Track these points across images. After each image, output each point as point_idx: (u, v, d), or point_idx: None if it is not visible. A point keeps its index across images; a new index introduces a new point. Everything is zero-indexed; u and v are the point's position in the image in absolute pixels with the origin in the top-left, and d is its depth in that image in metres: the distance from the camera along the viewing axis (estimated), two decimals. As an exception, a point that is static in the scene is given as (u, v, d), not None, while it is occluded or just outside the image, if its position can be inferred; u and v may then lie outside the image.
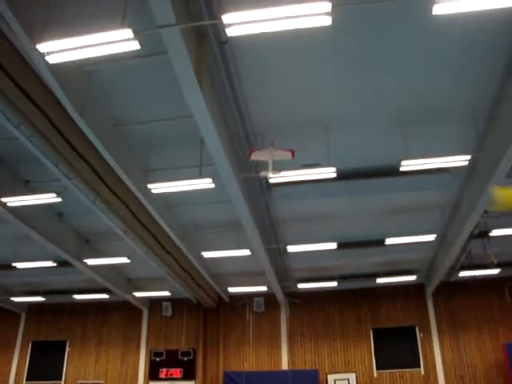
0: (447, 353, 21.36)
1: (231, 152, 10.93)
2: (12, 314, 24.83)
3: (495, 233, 15.67)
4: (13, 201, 12.81)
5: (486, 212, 13.72)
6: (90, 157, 10.80)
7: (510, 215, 13.90)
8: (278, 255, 18.22)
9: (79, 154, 10.49)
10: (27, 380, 23.66)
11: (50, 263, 18.32)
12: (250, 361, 22.23)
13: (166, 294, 22.32)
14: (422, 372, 21.20)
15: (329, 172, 11.10)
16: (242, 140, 11.31)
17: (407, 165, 10.76)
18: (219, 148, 9.94)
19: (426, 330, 21.77)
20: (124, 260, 17.84)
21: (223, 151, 10.06)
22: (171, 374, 22.47)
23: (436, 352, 21.43)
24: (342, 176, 11.97)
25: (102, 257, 18.11)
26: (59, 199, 12.80)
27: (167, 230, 14.70)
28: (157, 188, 11.70)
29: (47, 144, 9.93)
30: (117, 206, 12.95)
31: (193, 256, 16.99)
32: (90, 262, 17.94)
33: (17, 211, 13.63)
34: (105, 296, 22.86)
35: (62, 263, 18.16)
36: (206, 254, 16.91)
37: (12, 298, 23.13)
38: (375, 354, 21.73)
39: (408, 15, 7.99)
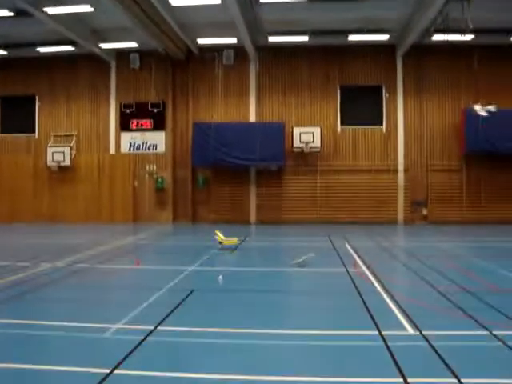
0: (409, 113, 22.28)
1: None
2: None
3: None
4: None
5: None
6: None
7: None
8: (248, 4, 17.48)
9: None
10: (1, 133, 24.23)
11: (6, 12, 17.42)
12: (218, 112, 22.78)
13: (134, 45, 21.79)
14: (384, 130, 22.20)
15: None
16: None
17: None
18: None
19: (392, 91, 22.30)
20: (87, 8, 17.00)
21: None
22: (142, 125, 23.16)
23: (399, 112, 22.30)
24: None
25: (63, 5, 17.03)
26: None
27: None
28: None
29: None
30: None
31: (159, 3, 16.12)
32: (51, 10, 17.03)
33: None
34: (70, 48, 22.06)
35: (20, 12, 17.26)
36: (174, 2, 16.08)
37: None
38: (340, 111, 22.50)
39: None
